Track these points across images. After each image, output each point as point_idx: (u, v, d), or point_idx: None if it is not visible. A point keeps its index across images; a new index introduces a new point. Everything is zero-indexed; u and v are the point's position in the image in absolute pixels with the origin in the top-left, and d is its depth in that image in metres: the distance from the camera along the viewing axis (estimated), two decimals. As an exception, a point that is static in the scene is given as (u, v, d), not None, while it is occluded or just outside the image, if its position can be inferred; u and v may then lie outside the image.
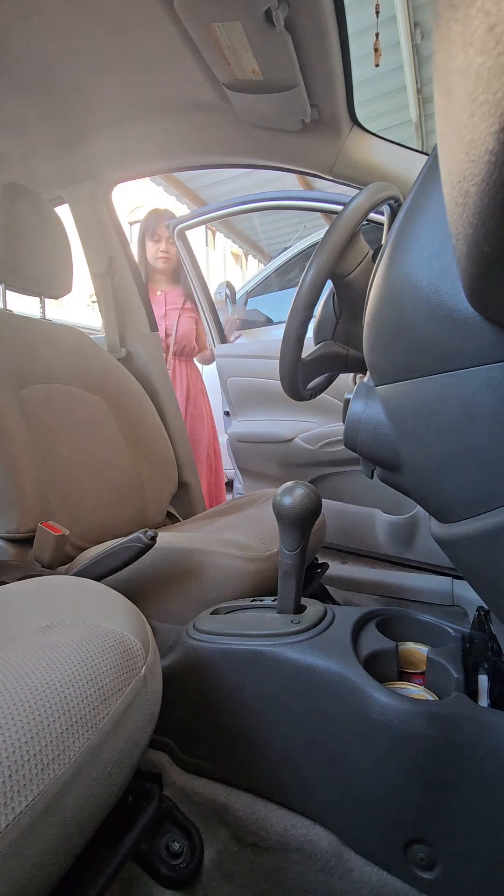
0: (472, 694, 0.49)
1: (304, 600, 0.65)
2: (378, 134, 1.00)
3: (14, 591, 0.58)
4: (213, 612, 0.66)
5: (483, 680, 0.51)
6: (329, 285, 0.81)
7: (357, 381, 1.04)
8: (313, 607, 0.61)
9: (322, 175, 1.08)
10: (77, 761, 0.36)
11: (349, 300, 0.79)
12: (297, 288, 0.76)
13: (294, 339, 0.77)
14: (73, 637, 0.44)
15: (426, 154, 0.97)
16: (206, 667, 0.59)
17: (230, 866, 0.55)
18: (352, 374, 1.07)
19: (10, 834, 0.30)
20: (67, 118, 1.04)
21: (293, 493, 0.56)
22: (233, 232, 5.42)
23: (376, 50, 0.87)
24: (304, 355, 0.83)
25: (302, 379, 0.85)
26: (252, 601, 0.67)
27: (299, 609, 0.61)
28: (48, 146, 1.10)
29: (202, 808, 0.59)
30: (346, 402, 0.44)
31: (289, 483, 0.57)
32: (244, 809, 0.57)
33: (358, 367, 0.86)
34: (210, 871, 0.56)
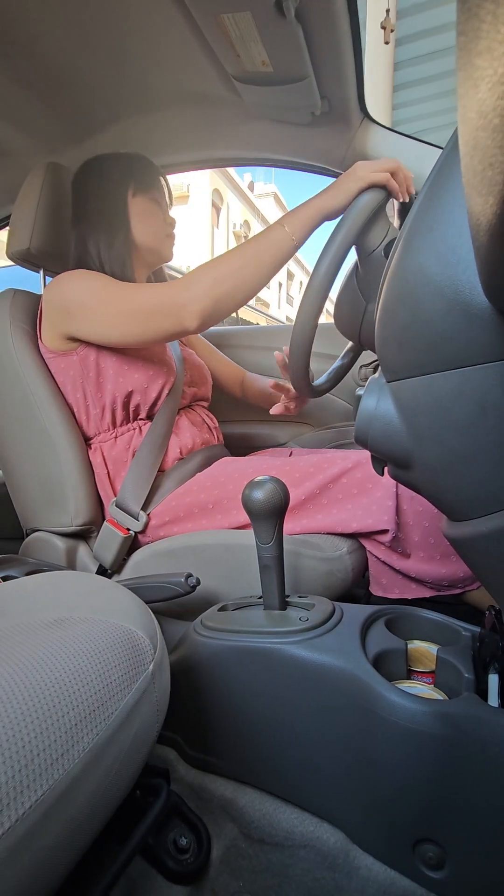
0: (483, 693, 0.49)
1: (311, 597, 0.65)
2: (390, 127, 0.99)
3: (22, 586, 0.58)
4: (221, 609, 0.66)
5: (493, 679, 0.50)
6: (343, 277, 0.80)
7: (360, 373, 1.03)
8: (321, 605, 0.61)
9: (332, 168, 1.07)
10: (87, 756, 0.36)
11: (375, 280, 0.77)
12: (315, 265, 0.74)
13: (306, 330, 0.77)
14: (81, 632, 0.44)
15: (439, 147, 0.96)
16: (213, 663, 0.59)
17: (238, 862, 0.56)
18: (358, 369, 1.05)
19: (20, 828, 0.30)
20: (74, 112, 1.04)
21: (263, 488, 0.57)
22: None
23: (384, 28, 0.85)
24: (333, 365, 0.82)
25: (313, 387, 0.86)
26: (260, 598, 0.67)
27: (284, 604, 0.62)
28: (55, 141, 1.10)
29: (209, 803, 0.60)
30: (358, 398, 0.43)
31: (257, 478, 0.59)
32: (251, 805, 0.57)
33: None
34: (217, 867, 0.56)
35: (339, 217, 0.77)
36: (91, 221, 0.96)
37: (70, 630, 0.44)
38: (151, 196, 0.98)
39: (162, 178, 1.02)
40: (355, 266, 0.82)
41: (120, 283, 0.86)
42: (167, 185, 1.04)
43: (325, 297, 0.75)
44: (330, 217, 0.80)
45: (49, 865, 0.33)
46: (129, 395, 0.92)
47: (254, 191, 19.71)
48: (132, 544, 0.91)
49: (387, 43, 0.91)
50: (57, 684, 0.37)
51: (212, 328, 1.23)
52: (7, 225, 1.10)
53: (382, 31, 0.89)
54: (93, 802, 0.36)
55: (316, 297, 0.74)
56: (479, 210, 0.19)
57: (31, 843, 0.31)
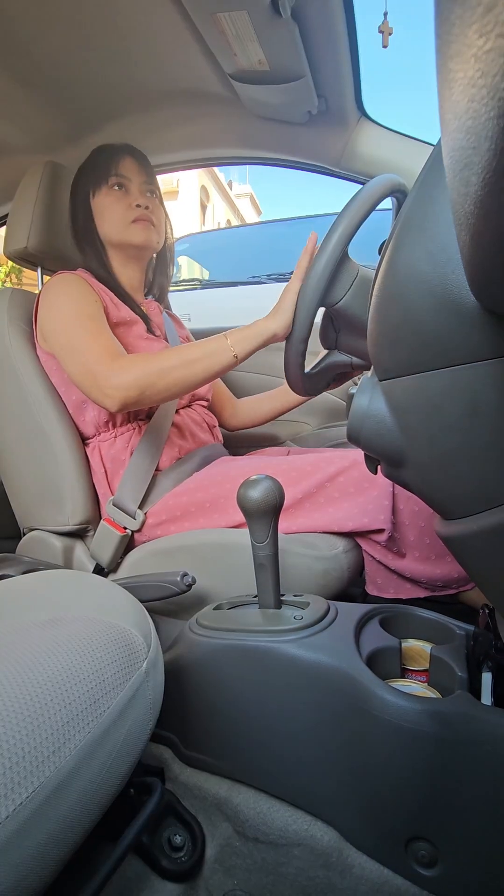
0: (476, 692, 0.49)
1: (306, 596, 0.65)
2: (387, 126, 0.99)
3: (17, 585, 0.58)
4: (216, 608, 0.66)
5: (486, 678, 0.50)
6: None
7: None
8: (316, 604, 0.61)
9: (329, 167, 1.07)
10: (78, 754, 0.36)
11: (345, 321, 0.79)
12: (287, 340, 0.78)
13: (302, 329, 0.77)
14: (74, 631, 0.44)
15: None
16: (208, 662, 0.59)
17: (232, 860, 0.56)
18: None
19: (10, 825, 0.31)
20: (72, 111, 1.04)
21: (258, 487, 0.57)
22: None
23: (382, 31, 0.85)
24: (307, 369, 0.84)
25: (307, 384, 0.86)
26: (255, 597, 0.67)
27: (279, 603, 0.62)
28: (52, 139, 1.10)
29: (204, 802, 0.60)
30: (350, 397, 0.43)
31: (252, 477, 0.59)
32: (246, 804, 0.57)
33: (363, 369, 0.86)
34: (212, 865, 0.56)
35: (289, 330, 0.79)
36: (73, 231, 1.00)
37: (64, 629, 0.45)
38: (110, 186, 0.95)
39: (129, 158, 0.97)
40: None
41: (92, 319, 0.87)
42: (137, 161, 0.98)
43: (319, 302, 0.76)
44: (274, 339, 0.81)
45: (40, 862, 0.33)
46: None
47: (232, 190, 19.73)
48: (129, 543, 0.91)
49: (385, 47, 0.90)
50: (49, 682, 0.37)
51: (208, 327, 1.23)
52: (4, 223, 1.10)
53: (381, 34, 0.88)
54: (85, 800, 0.37)
55: (311, 299, 0.75)
56: (459, 209, 0.19)
57: (22, 839, 0.31)
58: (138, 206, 0.96)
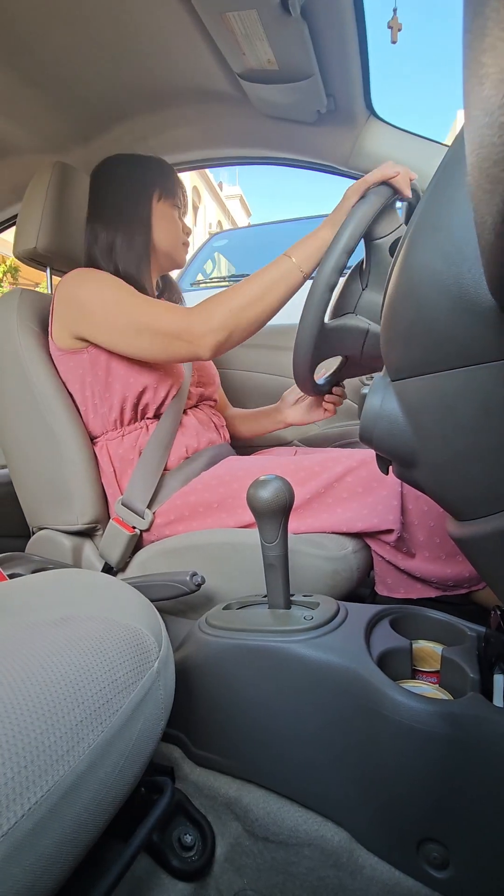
0: (488, 693, 0.49)
1: (316, 596, 0.65)
2: (396, 125, 0.99)
3: (29, 584, 0.58)
4: (226, 607, 0.66)
5: (498, 679, 0.50)
6: (353, 263, 0.81)
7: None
8: (326, 604, 0.61)
9: (337, 167, 1.06)
10: (91, 754, 0.36)
11: (378, 266, 0.79)
12: (329, 249, 0.75)
13: (317, 303, 0.76)
14: (86, 630, 0.44)
15: (445, 145, 0.96)
16: (217, 662, 0.59)
17: (242, 860, 0.56)
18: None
19: (25, 825, 0.31)
20: (81, 111, 1.04)
21: (268, 487, 0.57)
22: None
23: (391, 27, 0.84)
24: (327, 318, 0.81)
25: (316, 354, 0.82)
26: (264, 597, 0.67)
27: (289, 603, 0.62)
28: (61, 140, 1.10)
29: (214, 801, 0.60)
30: (363, 397, 0.43)
31: (262, 476, 0.58)
32: (256, 804, 0.57)
33: (374, 348, 0.83)
34: (222, 864, 0.56)
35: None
36: (110, 219, 0.97)
37: (75, 628, 0.45)
38: (174, 203, 1.00)
39: (182, 192, 1.03)
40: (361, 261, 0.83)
41: (136, 294, 0.87)
42: (184, 193, 1.04)
43: (329, 295, 0.75)
44: None
45: (54, 861, 0.33)
46: (139, 395, 0.93)
47: (222, 191, 19.74)
48: (137, 543, 0.91)
49: (394, 42, 0.89)
50: (62, 681, 0.38)
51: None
52: (14, 224, 1.10)
53: (390, 30, 0.88)
54: (97, 799, 0.37)
55: (321, 296, 0.74)
56: (484, 208, 0.19)
57: (36, 838, 0.31)
58: (187, 233, 1.02)
